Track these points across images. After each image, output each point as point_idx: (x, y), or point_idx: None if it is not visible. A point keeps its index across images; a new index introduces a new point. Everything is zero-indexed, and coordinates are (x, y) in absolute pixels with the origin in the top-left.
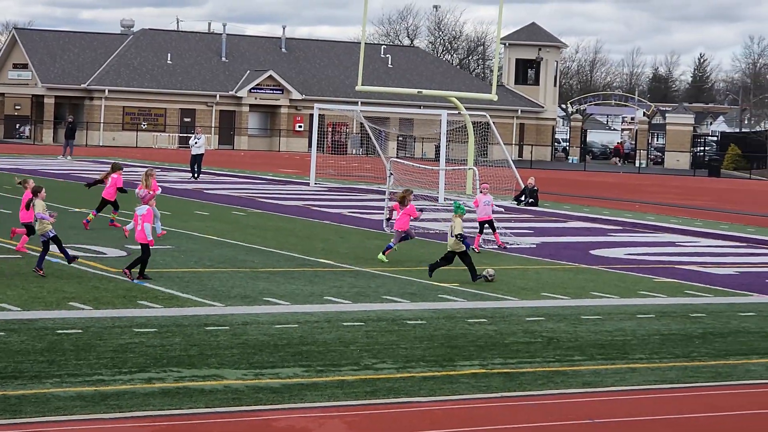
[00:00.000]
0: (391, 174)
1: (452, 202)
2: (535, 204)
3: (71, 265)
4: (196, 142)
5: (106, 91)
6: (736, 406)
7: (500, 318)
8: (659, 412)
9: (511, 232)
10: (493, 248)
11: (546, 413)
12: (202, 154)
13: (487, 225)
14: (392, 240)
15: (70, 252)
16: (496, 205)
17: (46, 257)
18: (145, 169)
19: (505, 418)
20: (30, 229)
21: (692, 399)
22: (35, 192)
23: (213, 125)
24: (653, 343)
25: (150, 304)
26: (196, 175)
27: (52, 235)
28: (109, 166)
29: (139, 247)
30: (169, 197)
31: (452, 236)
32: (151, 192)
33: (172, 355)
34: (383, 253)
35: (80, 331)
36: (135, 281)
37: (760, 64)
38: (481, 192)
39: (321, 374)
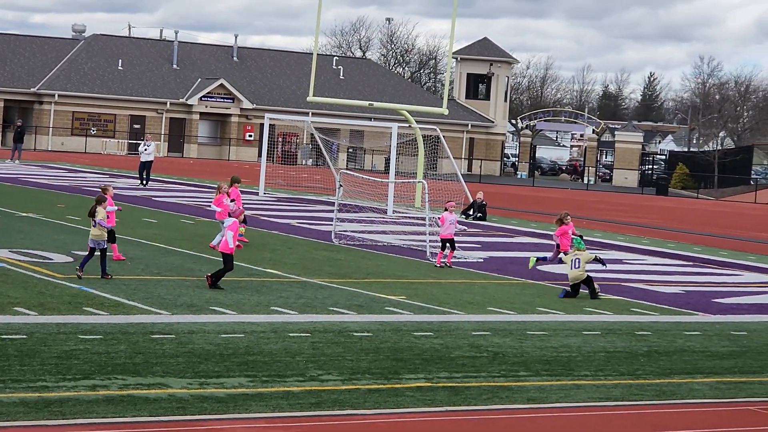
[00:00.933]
0: (341, 185)
1: (574, 239)
2: (483, 218)
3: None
4: (145, 149)
5: (56, 95)
6: (679, 426)
7: (446, 332)
8: (603, 430)
9: (458, 246)
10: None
11: (490, 428)
12: (152, 161)
13: (448, 243)
14: (549, 255)
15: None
16: (458, 223)
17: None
18: (219, 183)
19: None
20: (111, 235)
21: (636, 417)
22: (99, 201)
23: (163, 132)
24: (598, 360)
25: (96, 311)
26: (144, 182)
27: (103, 246)
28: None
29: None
30: (117, 204)
31: (575, 268)
32: (241, 207)
33: (117, 363)
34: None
35: (25, 336)
36: (211, 288)
37: (709, 84)
38: (446, 210)
39: (266, 385)
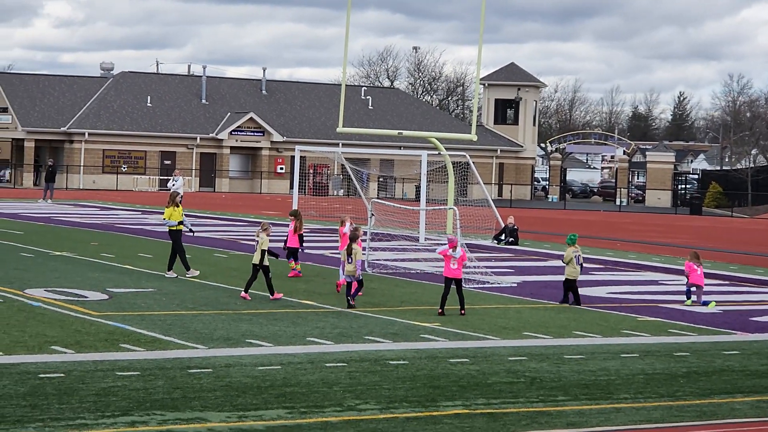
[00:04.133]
0: (373, 215)
1: (569, 235)
2: (515, 243)
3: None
4: (173, 184)
5: (86, 134)
6: None
7: (482, 358)
8: None
9: (491, 272)
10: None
11: None
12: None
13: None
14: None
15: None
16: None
17: None
18: (342, 217)
19: None
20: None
21: None
22: (353, 239)
23: (193, 167)
24: (637, 383)
25: (132, 347)
26: None
27: (358, 279)
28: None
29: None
30: (150, 240)
31: (579, 264)
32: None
33: (155, 399)
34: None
35: (62, 374)
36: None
37: (739, 102)
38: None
39: (304, 416)
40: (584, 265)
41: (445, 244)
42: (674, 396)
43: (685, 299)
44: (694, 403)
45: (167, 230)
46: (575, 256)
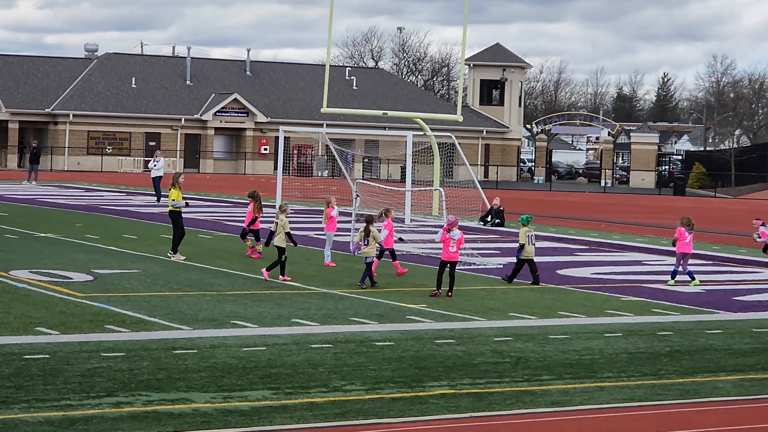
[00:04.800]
0: (358, 195)
1: (523, 216)
2: (501, 224)
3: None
4: (155, 165)
5: (71, 115)
6: (704, 424)
7: (468, 338)
8: (627, 430)
9: (477, 253)
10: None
11: None
12: (161, 177)
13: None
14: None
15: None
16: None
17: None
18: (327, 198)
19: None
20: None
21: (660, 417)
22: (369, 221)
23: (178, 149)
24: (621, 362)
25: (117, 328)
26: (158, 198)
27: (369, 260)
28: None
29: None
30: (135, 221)
31: (532, 244)
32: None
33: (140, 379)
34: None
35: (47, 356)
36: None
37: (723, 82)
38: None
39: (290, 397)
40: (571, 247)
41: (442, 231)
42: (657, 375)
43: (669, 279)
44: (677, 382)
45: (167, 212)
46: (528, 237)
